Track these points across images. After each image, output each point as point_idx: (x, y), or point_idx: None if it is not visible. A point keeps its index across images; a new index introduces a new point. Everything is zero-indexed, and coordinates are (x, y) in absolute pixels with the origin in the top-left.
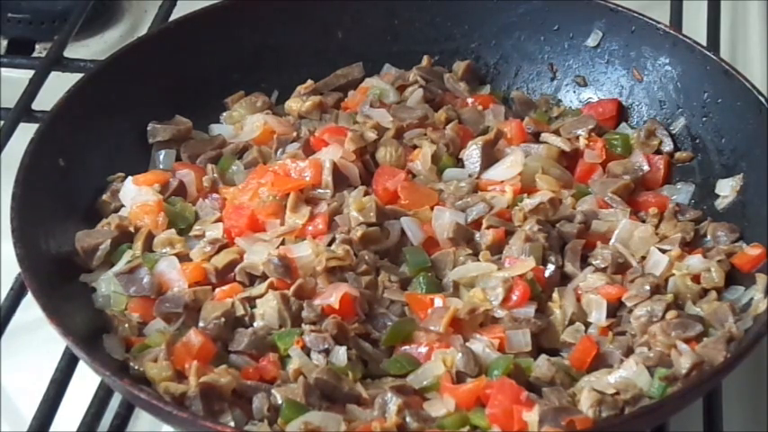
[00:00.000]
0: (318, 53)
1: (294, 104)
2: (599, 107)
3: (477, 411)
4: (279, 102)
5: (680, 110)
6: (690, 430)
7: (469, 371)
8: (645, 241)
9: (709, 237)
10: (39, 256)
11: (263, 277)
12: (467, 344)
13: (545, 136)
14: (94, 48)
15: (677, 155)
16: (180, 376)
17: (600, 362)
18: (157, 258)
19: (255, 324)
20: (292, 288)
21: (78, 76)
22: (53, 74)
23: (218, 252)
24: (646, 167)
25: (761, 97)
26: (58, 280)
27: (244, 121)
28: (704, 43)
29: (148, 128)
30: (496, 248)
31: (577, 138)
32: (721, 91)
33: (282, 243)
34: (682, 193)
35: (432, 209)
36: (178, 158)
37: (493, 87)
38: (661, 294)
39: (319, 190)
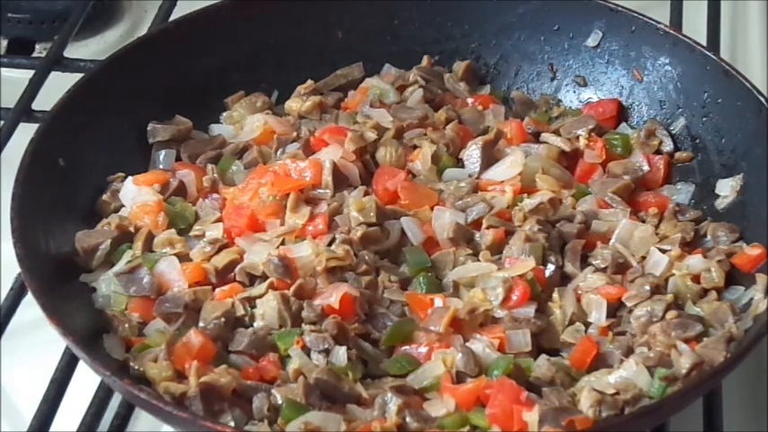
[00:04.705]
0: (318, 53)
1: (294, 104)
2: (599, 107)
3: (477, 411)
4: (279, 102)
5: (680, 110)
6: (690, 430)
7: (469, 371)
8: (645, 241)
9: (709, 237)
10: (39, 256)
11: (263, 277)
12: (467, 344)
13: (545, 136)
14: (94, 48)
15: (677, 155)
16: (180, 376)
17: (600, 362)
18: (157, 258)
19: (255, 324)
20: (292, 288)
21: (78, 76)
22: (53, 74)
23: (218, 252)
24: (646, 167)
25: (761, 97)
26: (58, 280)
27: (244, 121)
28: (704, 43)
29: (148, 128)
30: (496, 248)
31: (577, 138)
32: (721, 91)
33: (282, 243)
34: (682, 193)
35: (432, 209)
36: (178, 158)
37: (493, 87)
38: (661, 294)
39: (319, 190)
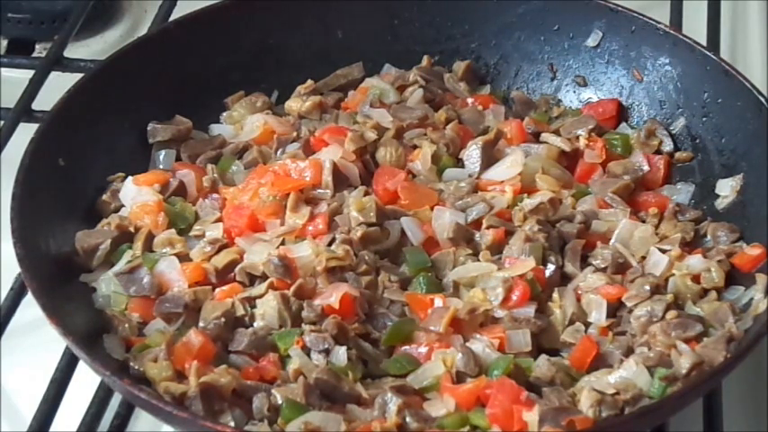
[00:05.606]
0: (318, 53)
1: (294, 104)
2: (599, 107)
3: (477, 411)
4: (279, 102)
5: (680, 110)
6: (690, 430)
7: (469, 371)
8: (645, 241)
9: (709, 237)
10: (39, 256)
11: (263, 277)
12: (467, 344)
13: (545, 136)
14: (94, 48)
15: (677, 155)
16: (180, 376)
17: (600, 362)
18: (157, 258)
19: (255, 324)
20: (292, 288)
21: (78, 76)
22: (53, 74)
23: (218, 252)
24: (646, 167)
25: (761, 97)
26: (58, 280)
27: (244, 121)
28: (704, 43)
29: (148, 128)
30: (496, 248)
31: (577, 138)
32: (721, 91)
33: (282, 243)
34: (682, 193)
35: (432, 209)
36: (178, 158)
37: (493, 87)
38: (661, 294)
39: (319, 190)
